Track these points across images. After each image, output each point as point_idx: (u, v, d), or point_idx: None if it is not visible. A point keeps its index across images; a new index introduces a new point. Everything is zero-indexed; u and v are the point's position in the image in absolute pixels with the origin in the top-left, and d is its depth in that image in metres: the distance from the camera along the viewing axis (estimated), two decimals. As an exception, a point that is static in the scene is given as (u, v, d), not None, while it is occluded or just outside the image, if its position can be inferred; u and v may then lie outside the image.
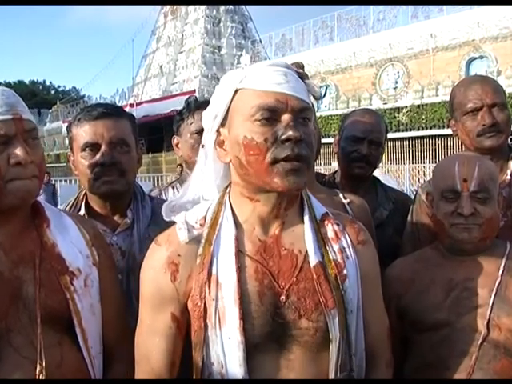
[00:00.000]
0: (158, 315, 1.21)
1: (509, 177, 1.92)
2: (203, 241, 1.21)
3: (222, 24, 35.20)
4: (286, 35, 26.73)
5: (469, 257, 1.55)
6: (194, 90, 26.60)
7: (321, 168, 15.74)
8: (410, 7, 21.88)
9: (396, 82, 21.10)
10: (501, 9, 17.75)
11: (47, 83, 69.85)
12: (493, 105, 1.90)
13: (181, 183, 2.30)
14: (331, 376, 1.19)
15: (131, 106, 27.35)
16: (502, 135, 1.92)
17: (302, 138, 1.12)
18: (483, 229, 1.51)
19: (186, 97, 2.45)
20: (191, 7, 35.59)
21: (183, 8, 36.25)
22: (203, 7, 34.61)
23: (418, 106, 19.43)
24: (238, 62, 29.88)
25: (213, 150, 1.25)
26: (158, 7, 39.55)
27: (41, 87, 67.30)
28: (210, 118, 1.23)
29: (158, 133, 28.38)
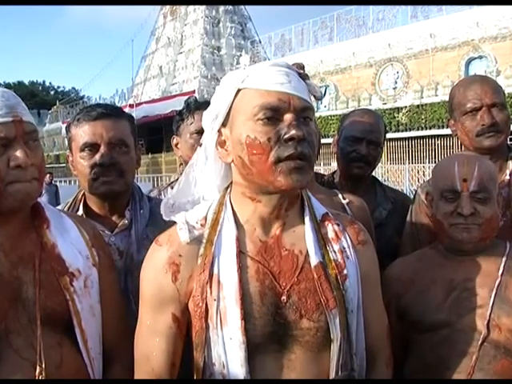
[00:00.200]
0: (158, 315, 1.21)
1: (508, 177, 1.92)
2: (204, 241, 1.21)
3: (221, 24, 35.20)
4: (286, 35, 26.76)
5: (468, 257, 1.55)
6: (194, 91, 26.58)
7: (320, 168, 15.74)
8: (410, 7, 21.90)
9: (395, 82, 21.12)
10: (500, 9, 17.77)
11: (47, 84, 69.80)
12: (492, 105, 1.90)
13: (180, 184, 2.30)
14: (332, 376, 1.19)
15: (131, 106, 27.33)
16: (501, 135, 1.92)
17: (305, 137, 1.13)
18: (483, 229, 1.51)
19: (186, 97, 2.45)
20: (190, 8, 35.58)
21: (182, 9, 36.24)
22: (202, 8, 34.61)
23: (418, 106, 19.44)
24: (238, 63, 29.91)
25: (214, 150, 1.25)
26: (158, 8, 39.56)
27: (40, 88, 67.25)
28: (210, 119, 1.23)
29: (158, 133, 28.38)
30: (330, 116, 21.12)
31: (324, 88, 23.12)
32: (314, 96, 1.25)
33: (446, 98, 2.11)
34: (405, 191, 12.21)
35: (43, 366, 1.20)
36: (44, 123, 43.21)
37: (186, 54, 34.53)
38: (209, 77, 32.10)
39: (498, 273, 1.50)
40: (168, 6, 37.80)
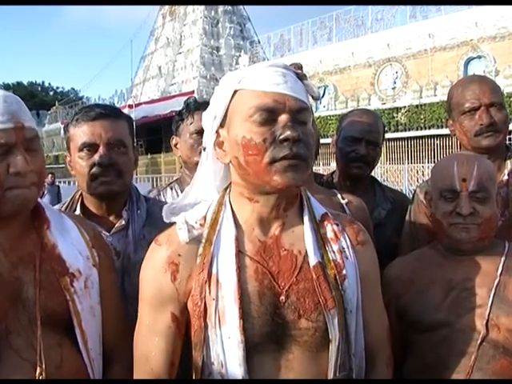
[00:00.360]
0: (157, 315, 1.22)
1: (506, 176, 1.92)
2: (203, 241, 1.21)
3: (220, 25, 35.18)
4: (285, 36, 26.75)
5: (468, 257, 1.55)
6: (193, 91, 26.59)
7: (319, 168, 15.74)
8: (409, 7, 21.90)
9: (394, 82, 21.12)
10: (499, 9, 17.77)
11: (46, 84, 69.74)
12: (490, 104, 1.90)
13: (179, 184, 2.30)
14: (330, 376, 1.19)
15: (130, 106, 27.34)
16: (500, 135, 1.92)
17: (300, 137, 1.13)
18: (482, 228, 1.51)
19: (185, 98, 2.46)
20: (189, 8, 35.57)
21: (181, 9, 36.22)
22: (201, 8, 34.59)
23: (417, 105, 19.44)
24: (237, 63, 29.91)
25: (212, 150, 1.25)
26: (157, 8, 39.54)
27: (39, 88, 67.18)
28: (209, 119, 1.24)
29: (157, 134, 28.38)
30: (329, 116, 21.12)
31: (323, 88, 23.12)
32: (312, 96, 1.25)
33: (445, 98, 2.11)
34: (404, 191, 12.20)
35: (43, 366, 1.20)
36: (43, 124, 43.17)
37: (185, 55, 34.52)
38: (208, 77, 32.09)
39: (496, 272, 1.50)
40: (167, 7, 37.76)
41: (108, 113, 1.71)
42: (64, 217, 1.42)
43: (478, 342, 1.44)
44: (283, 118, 1.13)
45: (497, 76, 17.21)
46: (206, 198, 1.30)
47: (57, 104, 45.54)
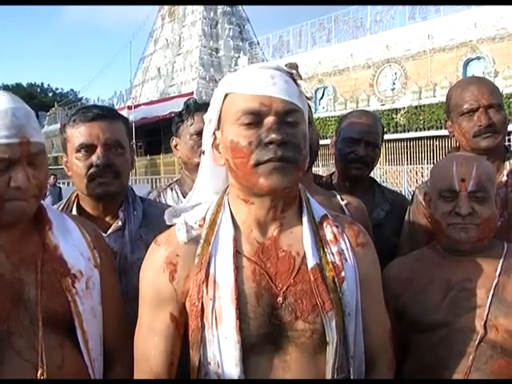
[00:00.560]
0: (156, 315, 1.22)
1: (505, 177, 1.93)
2: (202, 241, 1.22)
3: (219, 26, 35.18)
4: (284, 37, 26.76)
5: (467, 257, 1.55)
6: (192, 92, 26.59)
7: (319, 169, 15.74)
8: (408, 8, 21.90)
9: (393, 84, 21.13)
10: (498, 9, 17.79)
11: (45, 86, 69.68)
12: (489, 106, 1.91)
13: (179, 185, 2.31)
14: (328, 378, 1.19)
15: (129, 108, 27.29)
16: (499, 136, 1.93)
17: (285, 140, 1.12)
18: (481, 229, 1.52)
19: (184, 99, 2.47)
20: (189, 9, 35.57)
21: (181, 10, 36.22)
22: (200, 9, 34.59)
23: (416, 107, 19.44)
24: (236, 64, 29.91)
25: (211, 152, 1.26)
26: (156, 9, 39.54)
27: (39, 90, 67.09)
28: (206, 122, 1.26)
29: (156, 135, 28.37)
30: (329, 117, 21.12)
31: (322, 89, 23.16)
32: (306, 97, 1.23)
33: (444, 99, 2.12)
34: (403, 192, 12.20)
35: (44, 367, 1.21)
36: (42, 125, 43.09)
37: (184, 56, 34.52)
38: (207, 78, 32.10)
39: (495, 273, 1.51)
40: (166, 8, 37.76)
41: (105, 114, 1.70)
42: (66, 218, 1.42)
43: (476, 342, 1.45)
44: (269, 120, 1.13)
45: (496, 77, 17.23)
46: (206, 200, 1.31)
47: (56, 105, 45.50)
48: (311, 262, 1.19)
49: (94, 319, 1.34)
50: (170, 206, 1.39)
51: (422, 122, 19.13)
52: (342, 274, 1.21)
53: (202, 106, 2.14)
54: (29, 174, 1.23)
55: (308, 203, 1.28)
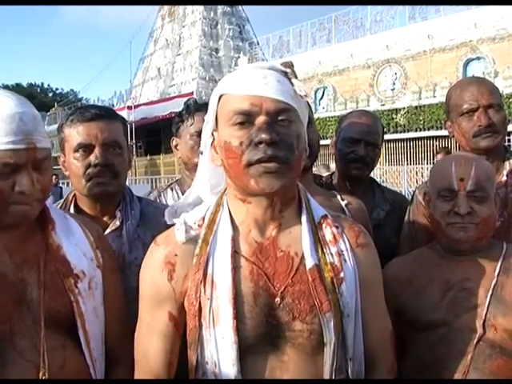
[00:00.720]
0: (155, 314, 1.23)
1: (505, 177, 1.93)
2: (200, 241, 1.22)
3: (219, 26, 35.17)
4: (284, 37, 26.73)
5: (466, 257, 1.56)
6: (192, 92, 26.55)
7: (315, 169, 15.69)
8: (408, 8, 21.89)
9: (393, 84, 21.11)
10: (498, 10, 17.78)
11: (45, 86, 69.62)
12: (489, 106, 1.91)
13: (180, 185, 2.31)
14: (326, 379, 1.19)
15: (129, 108, 27.24)
16: (498, 136, 1.93)
17: (275, 140, 1.12)
18: (480, 228, 1.52)
19: (184, 99, 2.47)
20: (188, 9, 35.56)
21: (180, 10, 36.20)
22: (200, 9, 34.58)
23: (416, 107, 19.43)
24: (236, 64, 29.87)
25: (209, 153, 1.27)
26: (156, 9, 39.53)
27: (39, 90, 67.00)
28: (205, 123, 1.27)
29: (156, 135, 28.33)
30: (329, 117, 21.10)
31: (322, 89, 23.14)
32: (300, 95, 1.23)
33: (444, 100, 2.12)
34: (403, 192, 12.19)
35: (46, 368, 1.21)
36: (42, 125, 43.05)
37: (184, 56, 34.50)
38: (207, 78, 32.09)
39: (494, 273, 1.51)
40: (166, 8, 37.74)
41: (103, 114, 1.70)
42: (68, 218, 1.43)
43: (475, 341, 1.45)
44: (259, 120, 1.14)
45: (496, 77, 17.22)
46: (204, 200, 1.32)
47: (56, 105, 45.47)
48: (309, 262, 1.19)
49: (96, 319, 1.35)
50: (167, 206, 1.39)
51: (421, 122, 19.11)
52: (341, 274, 1.21)
53: (202, 106, 2.14)
54: (33, 179, 1.24)
55: (308, 203, 1.28)
